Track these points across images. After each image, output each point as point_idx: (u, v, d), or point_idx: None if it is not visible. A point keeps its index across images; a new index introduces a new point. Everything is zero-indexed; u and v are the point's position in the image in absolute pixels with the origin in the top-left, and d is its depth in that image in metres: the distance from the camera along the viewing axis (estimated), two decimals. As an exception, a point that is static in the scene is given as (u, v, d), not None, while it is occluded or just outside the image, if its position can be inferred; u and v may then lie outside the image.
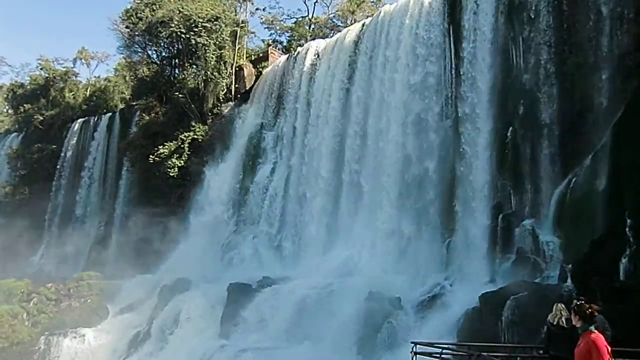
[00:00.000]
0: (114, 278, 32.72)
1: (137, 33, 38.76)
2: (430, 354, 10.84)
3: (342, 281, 21.22)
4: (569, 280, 15.21)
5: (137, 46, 40.43)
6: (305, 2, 46.48)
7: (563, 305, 8.80)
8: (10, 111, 61.45)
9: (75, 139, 46.17)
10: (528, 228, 18.14)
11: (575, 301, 7.03)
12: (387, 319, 18.05)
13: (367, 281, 20.09)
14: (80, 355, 24.89)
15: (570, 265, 15.51)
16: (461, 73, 22.17)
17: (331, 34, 40.36)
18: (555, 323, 8.64)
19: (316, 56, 32.04)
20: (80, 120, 47.48)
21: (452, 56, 23.05)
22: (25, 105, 53.31)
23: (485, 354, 9.60)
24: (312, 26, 46.95)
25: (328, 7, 47.07)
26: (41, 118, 50.76)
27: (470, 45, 21.94)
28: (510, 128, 19.83)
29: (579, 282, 14.50)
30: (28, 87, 55.44)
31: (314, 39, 38.17)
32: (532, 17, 19.89)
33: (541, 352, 9.43)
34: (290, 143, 30.92)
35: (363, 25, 29.69)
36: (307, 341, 19.19)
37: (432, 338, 11.76)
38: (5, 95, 60.72)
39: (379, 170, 24.64)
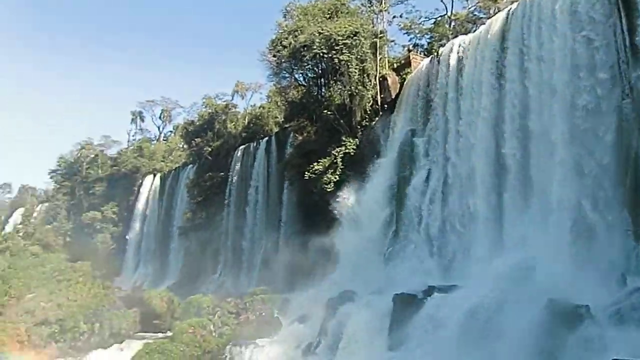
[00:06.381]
0: (283, 292, 34.72)
1: (283, 60, 40.95)
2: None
3: (515, 288, 19.52)
4: None
5: (284, 72, 42.76)
6: (442, 1, 45.07)
7: None
8: (185, 146, 69.82)
9: (239, 164, 50.41)
10: None
11: None
12: (574, 331, 16.07)
13: (546, 287, 18.12)
14: (260, 364, 26.64)
15: None
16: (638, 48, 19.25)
17: (474, 29, 38.41)
18: None
19: (461, 53, 30.62)
20: (241, 147, 51.76)
21: (625, 32, 20.04)
22: (196, 139, 59.89)
23: None
24: (453, 24, 45.18)
25: (467, 0, 45.03)
26: (209, 149, 56.60)
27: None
28: None
29: None
30: (197, 123, 62.28)
31: (455, 37, 36.67)
32: None
33: None
34: (443, 146, 29.76)
35: (509, 12, 27.62)
36: (479, 355, 18.02)
37: (636, 355, 9.96)
38: (181, 133, 69.32)
39: (548, 162, 22.30)
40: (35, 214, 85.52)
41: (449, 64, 31.09)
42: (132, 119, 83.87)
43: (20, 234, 76.04)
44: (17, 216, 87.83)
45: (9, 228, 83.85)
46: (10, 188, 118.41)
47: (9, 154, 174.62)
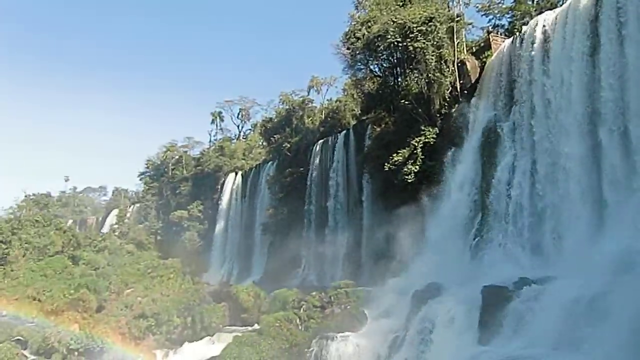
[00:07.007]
0: (367, 285, 34.52)
1: (357, 52, 40.72)
2: None
3: (621, 279, 17.99)
4: None
5: (359, 64, 42.55)
6: (524, -25, 42.50)
7: None
8: (264, 143, 71.48)
9: (318, 159, 50.78)
10: None
11: None
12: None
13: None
14: (347, 357, 26.61)
15: None
16: None
17: (560, 2, 35.96)
18: None
19: (546, 31, 28.78)
20: (320, 141, 52.09)
21: None
22: (274, 136, 61.14)
23: None
24: (536, -1, 42.57)
25: (552, -29, 42.13)
26: (288, 145, 57.53)
27: None
28: None
29: None
30: (275, 120, 63.57)
31: (540, 13, 34.48)
32: None
33: None
34: (530, 131, 28.15)
35: (602, -21, 25.50)
36: (578, 351, 16.80)
37: None
38: (259, 131, 71.09)
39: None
40: (128, 214, 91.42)
41: (533, 43, 29.31)
42: (212, 120, 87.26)
43: (116, 233, 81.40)
44: (112, 217, 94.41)
45: (106, 228, 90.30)
46: (106, 191, 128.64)
47: (103, 158, 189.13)
